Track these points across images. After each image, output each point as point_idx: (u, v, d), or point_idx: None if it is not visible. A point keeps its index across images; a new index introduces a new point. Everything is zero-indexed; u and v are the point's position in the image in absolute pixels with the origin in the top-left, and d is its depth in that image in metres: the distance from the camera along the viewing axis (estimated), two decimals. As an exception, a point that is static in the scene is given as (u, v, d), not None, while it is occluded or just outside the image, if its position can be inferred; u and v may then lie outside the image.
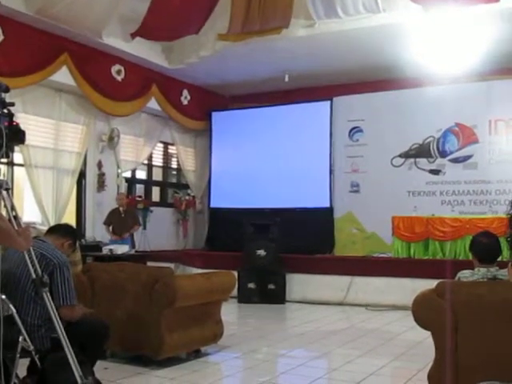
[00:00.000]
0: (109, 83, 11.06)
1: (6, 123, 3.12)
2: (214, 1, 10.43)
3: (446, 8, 9.32)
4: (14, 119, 3.28)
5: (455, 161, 11.76)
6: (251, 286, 10.70)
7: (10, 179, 9.69)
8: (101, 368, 4.94)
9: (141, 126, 12.63)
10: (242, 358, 6.55)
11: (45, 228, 8.12)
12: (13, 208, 3.19)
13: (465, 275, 4.60)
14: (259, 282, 10.71)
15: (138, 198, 12.82)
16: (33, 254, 3.20)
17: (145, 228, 12.67)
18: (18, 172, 10.16)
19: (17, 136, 3.26)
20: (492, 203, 11.14)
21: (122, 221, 10.93)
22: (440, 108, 11.69)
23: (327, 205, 12.77)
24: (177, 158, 14.21)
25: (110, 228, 10.97)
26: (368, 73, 12.14)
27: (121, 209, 11.01)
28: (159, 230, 13.12)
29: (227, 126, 13.94)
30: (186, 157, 14.13)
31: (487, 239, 4.62)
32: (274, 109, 13.52)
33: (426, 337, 4.87)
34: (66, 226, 4.86)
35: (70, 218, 10.91)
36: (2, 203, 2.88)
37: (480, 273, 4.50)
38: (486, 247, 4.57)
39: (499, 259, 4.61)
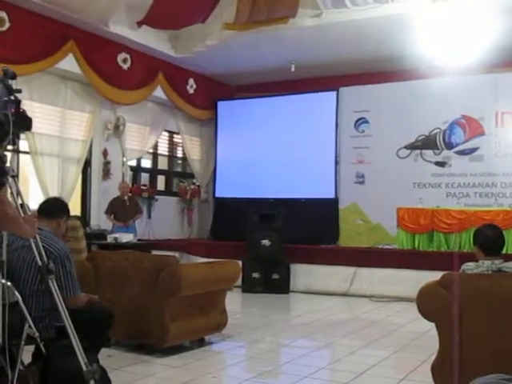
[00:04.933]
0: (115, 71, 11.05)
1: (13, 110, 3.11)
2: (221, -11, 10.43)
3: (454, -1, 9.31)
4: (21, 106, 3.27)
5: (461, 153, 11.74)
6: (255, 275, 10.73)
7: (16, 166, 9.71)
8: (105, 356, 4.96)
9: (146, 115, 12.62)
10: (246, 348, 6.59)
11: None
12: (19, 195, 3.19)
13: (469, 267, 4.60)
14: (263, 271, 10.74)
15: (142, 187, 12.84)
16: (39, 240, 3.20)
17: (149, 217, 12.70)
18: (24, 159, 10.17)
19: (23, 123, 3.26)
20: (498, 196, 11.13)
21: (126, 209, 10.96)
22: (446, 100, 11.64)
23: (332, 195, 12.77)
24: (182, 147, 14.22)
25: (112, 216, 11.00)
26: (375, 63, 12.09)
27: (125, 197, 11.04)
28: (164, 219, 13.14)
29: (233, 115, 13.93)
30: (191, 146, 14.13)
31: (492, 231, 4.62)
32: (279, 98, 13.50)
33: (429, 328, 4.89)
34: (54, 202, 4.79)
35: (75, 206, 10.94)
36: (9, 190, 2.89)
37: (485, 265, 4.50)
38: (490, 239, 4.57)
39: (504, 252, 4.62)
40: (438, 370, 4.48)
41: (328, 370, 5.73)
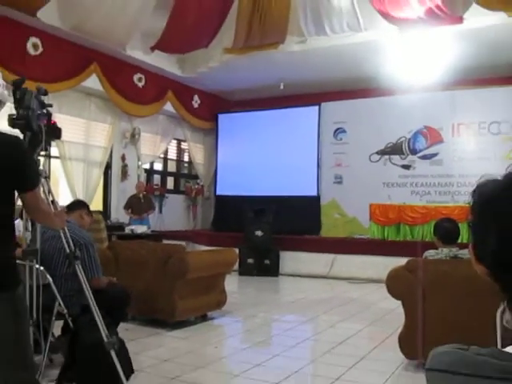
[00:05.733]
0: (131, 89, 11.03)
1: (45, 121, 3.12)
2: (221, 20, 10.40)
3: (418, 28, 9.32)
4: (52, 118, 3.27)
5: (423, 158, 11.75)
6: (250, 261, 10.73)
7: (48, 169, 9.67)
8: (123, 329, 4.96)
9: (158, 126, 12.60)
10: (242, 322, 6.59)
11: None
12: (50, 193, 3.19)
13: (430, 254, 4.62)
14: (257, 258, 10.75)
15: (155, 186, 12.85)
16: (67, 232, 3.20)
17: (161, 212, 12.69)
18: (54, 163, 10.15)
19: (54, 133, 3.26)
20: (454, 194, 11.14)
21: (141, 205, 10.97)
22: (411, 113, 11.64)
23: (315, 193, 12.76)
24: (188, 152, 14.21)
25: (129, 211, 10.99)
26: (351, 82, 12.09)
27: (140, 195, 11.05)
28: (173, 214, 13.14)
29: (231, 126, 13.91)
30: (195, 152, 14.12)
31: (449, 224, 4.65)
32: (270, 112, 13.47)
33: (397, 306, 4.90)
34: (76, 201, 4.96)
35: (97, 203, 10.93)
36: (42, 189, 2.89)
37: (443, 252, 4.52)
38: (448, 230, 4.60)
39: (459, 241, 4.63)
40: (404, 340, 4.51)
41: (311, 341, 5.74)
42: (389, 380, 4.22)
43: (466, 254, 4.28)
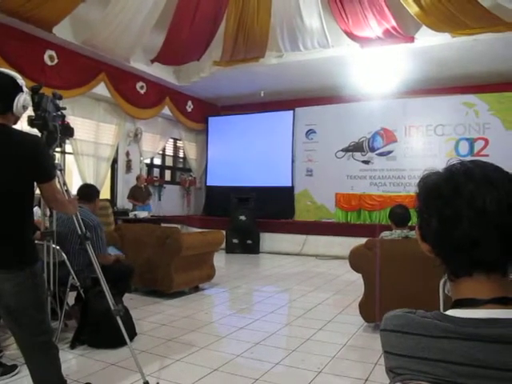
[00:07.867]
0: (134, 95, 10.91)
1: (60, 122, 3.08)
2: (211, 37, 10.32)
3: (376, 45, 9.34)
4: (66, 119, 3.23)
5: (380, 154, 11.81)
6: (235, 241, 10.74)
7: (63, 163, 9.56)
8: (127, 299, 4.94)
9: (157, 126, 12.49)
10: (228, 292, 6.60)
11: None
12: (65, 184, 3.16)
13: (386, 235, 4.66)
14: (241, 238, 10.76)
15: (155, 178, 12.76)
16: (79, 216, 3.18)
17: (160, 199, 12.62)
18: (68, 158, 10.03)
19: (68, 131, 3.22)
20: (406, 185, 11.22)
21: (142, 194, 10.89)
22: (371, 116, 11.69)
23: (289, 184, 12.77)
24: (183, 149, 14.13)
25: (131, 200, 10.90)
26: (320, 91, 12.10)
27: (142, 186, 10.96)
28: (170, 201, 13.07)
29: (219, 127, 13.85)
30: (189, 149, 14.04)
31: (401, 210, 4.69)
32: (252, 116, 13.43)
33: (357, 278, 4.93)
34: (87, 191, 4.78)
35: (105, 192, 10.83)
36: (57, 180, 2.85)
37: (396, 233, 4.56)
38: (400, 215, 4.64)
39: (410, 224, 4.68)
40: (363, 306, 4.55)
41: (287, 308, 5.77)
42: (351, 339, 4.26)
43: (415, 234, 4.33)
